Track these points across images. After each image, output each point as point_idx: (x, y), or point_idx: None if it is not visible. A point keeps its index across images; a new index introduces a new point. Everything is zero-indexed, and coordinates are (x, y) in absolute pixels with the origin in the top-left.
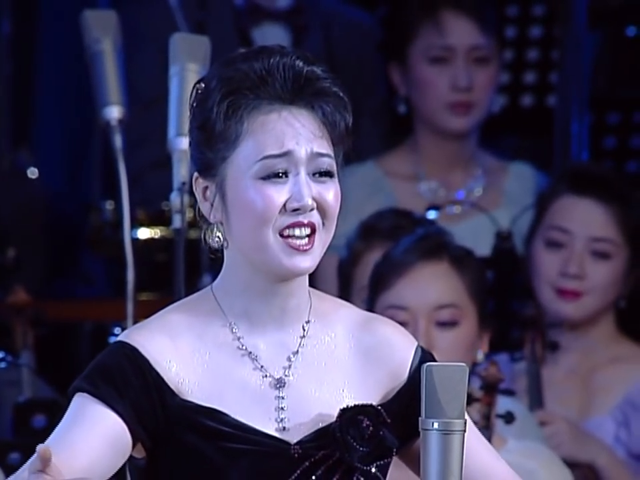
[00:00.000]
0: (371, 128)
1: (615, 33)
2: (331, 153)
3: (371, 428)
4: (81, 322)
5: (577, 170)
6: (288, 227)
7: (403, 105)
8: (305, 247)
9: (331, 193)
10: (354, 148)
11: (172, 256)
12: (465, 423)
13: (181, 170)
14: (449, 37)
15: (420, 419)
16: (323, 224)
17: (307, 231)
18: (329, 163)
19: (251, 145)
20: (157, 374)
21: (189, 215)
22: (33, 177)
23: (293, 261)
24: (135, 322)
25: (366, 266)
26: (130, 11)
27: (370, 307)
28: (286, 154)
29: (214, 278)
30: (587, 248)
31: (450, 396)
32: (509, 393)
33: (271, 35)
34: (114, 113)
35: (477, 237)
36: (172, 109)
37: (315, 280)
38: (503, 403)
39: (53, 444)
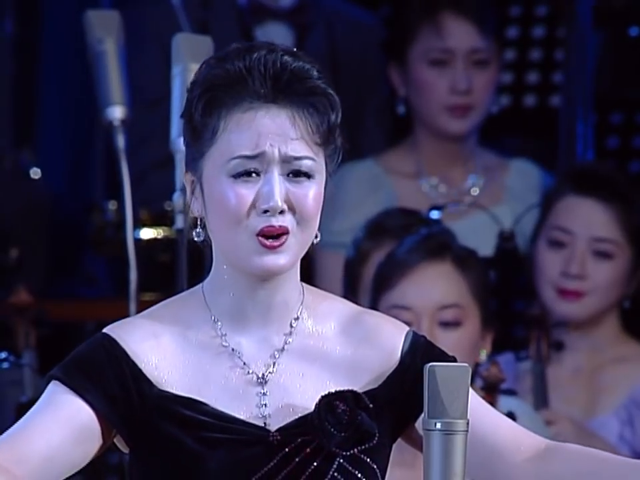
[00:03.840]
0: (373, 126)
1: (619, 32)
2: (311, 154)
3: (348, 413)
4: (83, 322)
5: (579, 170)
6: (263, 231)
7: (402, 105)
8: (274, 244)
9: (306, 193)
10: (356, 145)
11: (174, 256)
12: (468, 423)
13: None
14: (449, 40)
15: (422, 418)
16: (298, 224)
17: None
18: (308, 165)
19: (226, 143)
20: (134, 364)
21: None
22: (36, 177)
23: (265, 259)
24: None
25: (374, 265)
26: (133, 11)
27: (373, 306)
28: (258, 155)
29: None
30: (589, 248)
31: (453, 396)
32: (511, 392)
33: (274, 34)
34: (116, 113)
35: (478, 234)
36: (174, 109)
37: (318, 279)
38: (508, 403)
39: (16, 428)
